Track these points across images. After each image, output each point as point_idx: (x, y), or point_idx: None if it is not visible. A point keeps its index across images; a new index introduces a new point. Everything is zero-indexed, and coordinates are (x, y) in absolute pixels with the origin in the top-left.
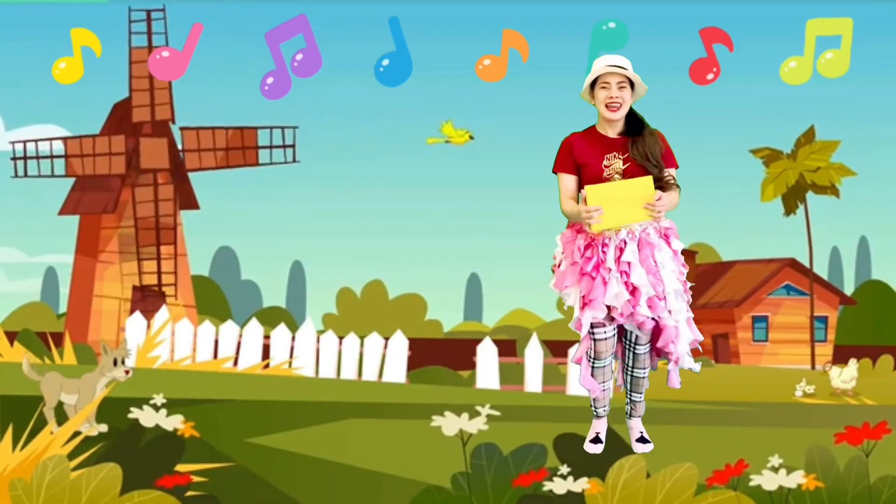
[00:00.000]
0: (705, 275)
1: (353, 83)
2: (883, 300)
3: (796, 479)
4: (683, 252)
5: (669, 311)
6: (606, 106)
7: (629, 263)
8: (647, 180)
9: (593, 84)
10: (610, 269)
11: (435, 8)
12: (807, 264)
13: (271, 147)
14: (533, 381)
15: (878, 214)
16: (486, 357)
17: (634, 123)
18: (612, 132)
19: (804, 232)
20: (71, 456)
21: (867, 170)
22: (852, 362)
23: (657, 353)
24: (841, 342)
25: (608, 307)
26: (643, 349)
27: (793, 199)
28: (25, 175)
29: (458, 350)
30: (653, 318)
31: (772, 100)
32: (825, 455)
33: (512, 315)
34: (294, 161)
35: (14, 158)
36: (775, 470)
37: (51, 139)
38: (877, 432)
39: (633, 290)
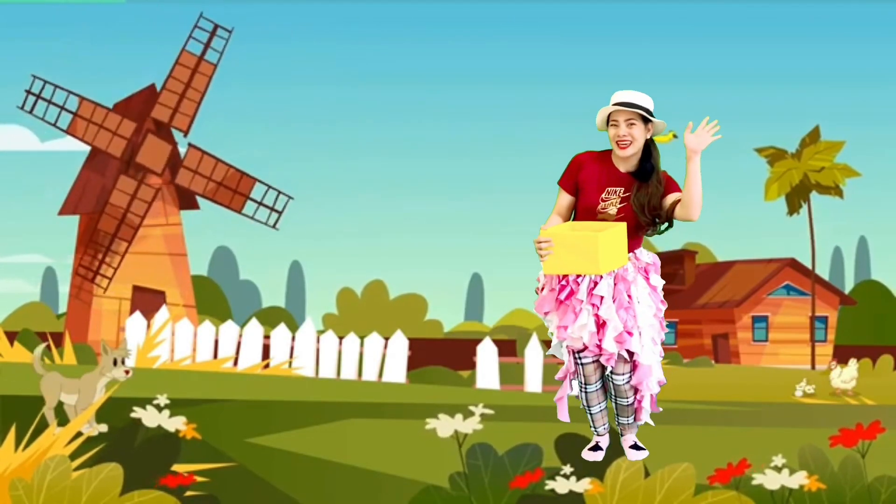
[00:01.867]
0: (705, 275)
1: (356, 83)
2: (883, 300)
3: (798, 479)
4: (684, 252)
5: (643, 347)
6: (616, 143)
7: (601, 298)
8: (603, 237)
9: (608, 119)
10: (581, 301)
11: (434, 10)
12: (808, 264)
13: (260, 203)
14: (533, 381)
15: (877, 215)
16: (486, 357)
17: (647, 166)
18: (623, 167)
19: (804, 232)
20: (71, 456)
21: (867, 170)
22: (852, 362)
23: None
24: (841, 342)
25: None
26: (621, 379)
27: (796, 199)
28: (31, 112)
29: (458, 350)
30: (624, 354)
31: (774, 100)
32: (818, 455)
33: (512, 315)
34: (274, 227)
35: (28, 91)
36: (778, 470)
37: (69, 91)
38: (870, 432)
39: (603, 324)
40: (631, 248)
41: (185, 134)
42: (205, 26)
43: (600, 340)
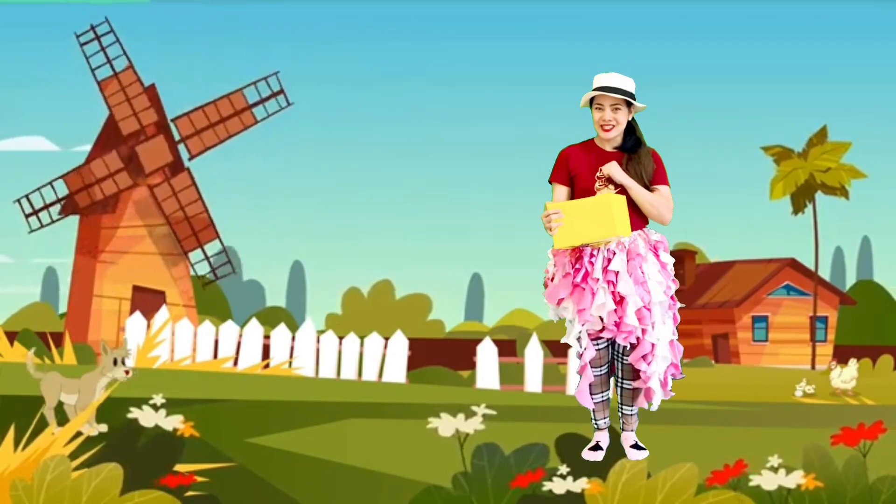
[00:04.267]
0: (705, 275)
1: (360, 83)
2: (883, 300)
3: (796, 479)
4: (684, 252)
5: (653, 325)
6: (601, 127)
7: (616, 273)
8: (614, 198)
9: (591, 101)
10: (597, 280)
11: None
12: (809, 264)
13: (262, 101)
14: (533, 381)
15: (880, 215)
16: (486, 357)
17: (632, 139)
18: (609, 146)
19: (804, 232)
20: (71, 456)
21: (873, 170)
22: (852, 362)
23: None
24: (841, 342)
25: (600, 317)
26: (630, 357)
27: (801, 199)
28: (41, 227)
29: (458, 350)
30: (641, 330)
31: (779, 100)
32: (823, 455)
33: (512, 315)
34: (288, 104)
35: (26, 215)
36: (775, 470)
37: (50, 182)
38: (872, 432)
39: (621, 300)
40: (639, 226)
41: (191, 158)
42: (86, 38)
43: (620, 318)
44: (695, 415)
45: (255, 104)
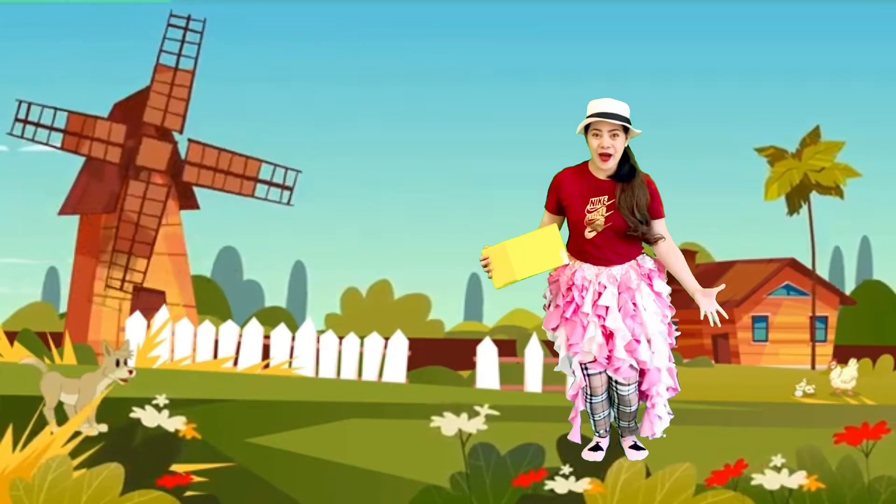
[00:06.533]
0: (705, 275)
1: (358, 83)
2: (883, 300)
3: (798, 479)
4: (683, 252)
5: (653, 353)
6: (599, 155)
7: (606, 308)
8: (549, 230)
9: (587, 126)
10: (587, 314)
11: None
12: (808, 264)
13: (270, 183)
14: (533, 381)
15: (880, 215)
16: (486, 357)
17: (626, 167)
18: (603, 174)
19: (805, 231)
20: (71, 456)
21: (870, 170)
22: (852, 362)
23: (641, 395)
24: (841, 342)
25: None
26: (626, 389)
27: (796, 199)
28: (21, 136)
29: (458, 350)
30: (633, 363)
31: (775, 100)
32: (816, 455)
33: (512, 315)
34: (288, 204)
35: (17, 119)
36: (777, 470)
37: (56, 108)
38: (876, 432)
39: (611, 335)
40: (632, 256)
41: (180, 132)
42: (177, 23)
43: (610, 351)
44: (695, 415)
45: (263, 181)
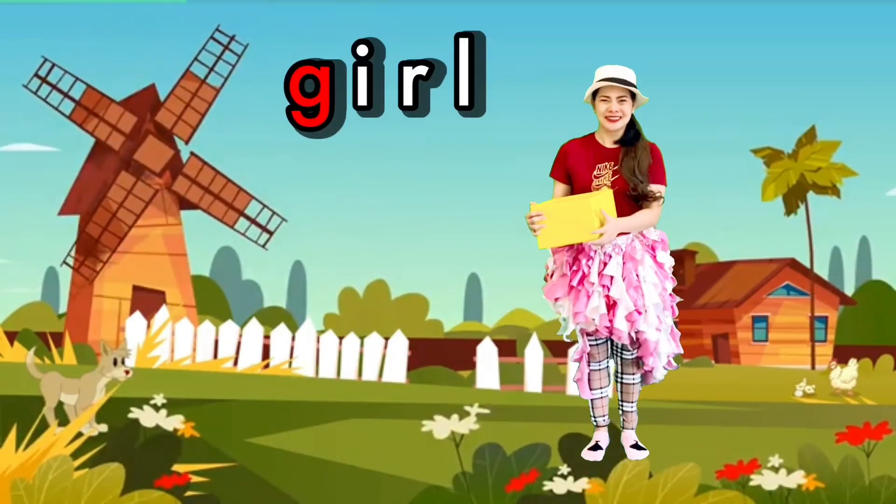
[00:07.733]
0: (705, 275)
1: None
2: (883, 300)
3: (796, 479)
4: (684, 252)
5: (649, 325)
6: (606, 118)
7: (611, 277)
8: (602, 195)
9: (595, 93)
10: (593, 283)
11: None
12: (807, 264)
13: (253, 221)
14: (533, 381)
15: (879, 215)
16: (486, 357)
17: (631, 133)
18: (609, 141)
19: (804, 232)
20: (72, 456)
21: (870, 170)
22: (852, 362)
23: (637, 362)
24: (841, 342)
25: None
26: (630, 354)
27: (794, 199)
28: (35, 93)
29: (458, 350)
30: (633, 333)
31: (771, 100)
32: (817, 455)
33: (512, 315)
34: (264, 247)
35: (36, 75)
36: (776, 470)
37: (77, 77)
38: (878, 432)
39: (613, 304)
40: None
41: (186, 142)
42: (220, 38)
43: (611, 321)
44: (695, 415)
45: (247, 217)
